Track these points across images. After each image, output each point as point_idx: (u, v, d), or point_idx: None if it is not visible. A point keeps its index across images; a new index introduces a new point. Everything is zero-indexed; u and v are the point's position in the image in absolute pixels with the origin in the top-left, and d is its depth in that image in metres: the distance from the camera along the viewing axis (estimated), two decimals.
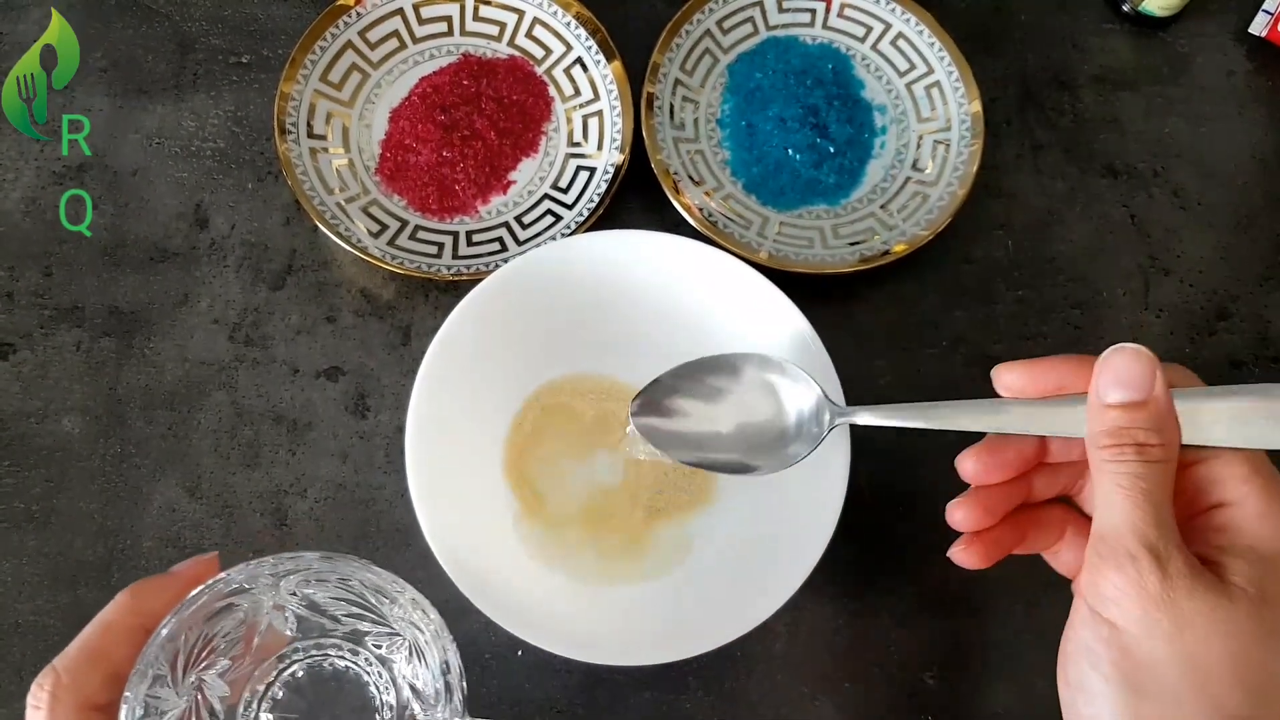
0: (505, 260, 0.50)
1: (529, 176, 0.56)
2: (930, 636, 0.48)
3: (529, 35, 0.58)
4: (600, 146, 0.56)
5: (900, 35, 0.58)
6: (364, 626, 0.34)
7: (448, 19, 0.58)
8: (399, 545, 0.48)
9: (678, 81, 0.57)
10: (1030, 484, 0.37)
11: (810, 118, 0.55)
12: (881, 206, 0.55)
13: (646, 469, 0.48)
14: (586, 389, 0.50)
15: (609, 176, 0.54)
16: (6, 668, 0.46)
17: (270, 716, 0.33)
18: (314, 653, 0.34)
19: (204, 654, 0.31)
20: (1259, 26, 0.61)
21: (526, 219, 0.54)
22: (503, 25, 0.58)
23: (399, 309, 0.53)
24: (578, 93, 0.57)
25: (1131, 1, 0.61)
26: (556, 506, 0.47)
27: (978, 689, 0.47)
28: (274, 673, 0.33)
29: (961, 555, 0.36)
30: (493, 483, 0.47)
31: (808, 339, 0.45)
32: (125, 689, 0.29)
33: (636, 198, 0.55)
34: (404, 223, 0.54)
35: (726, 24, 0.59)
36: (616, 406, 0.49)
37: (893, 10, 0.58)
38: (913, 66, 0.58)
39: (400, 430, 0.43)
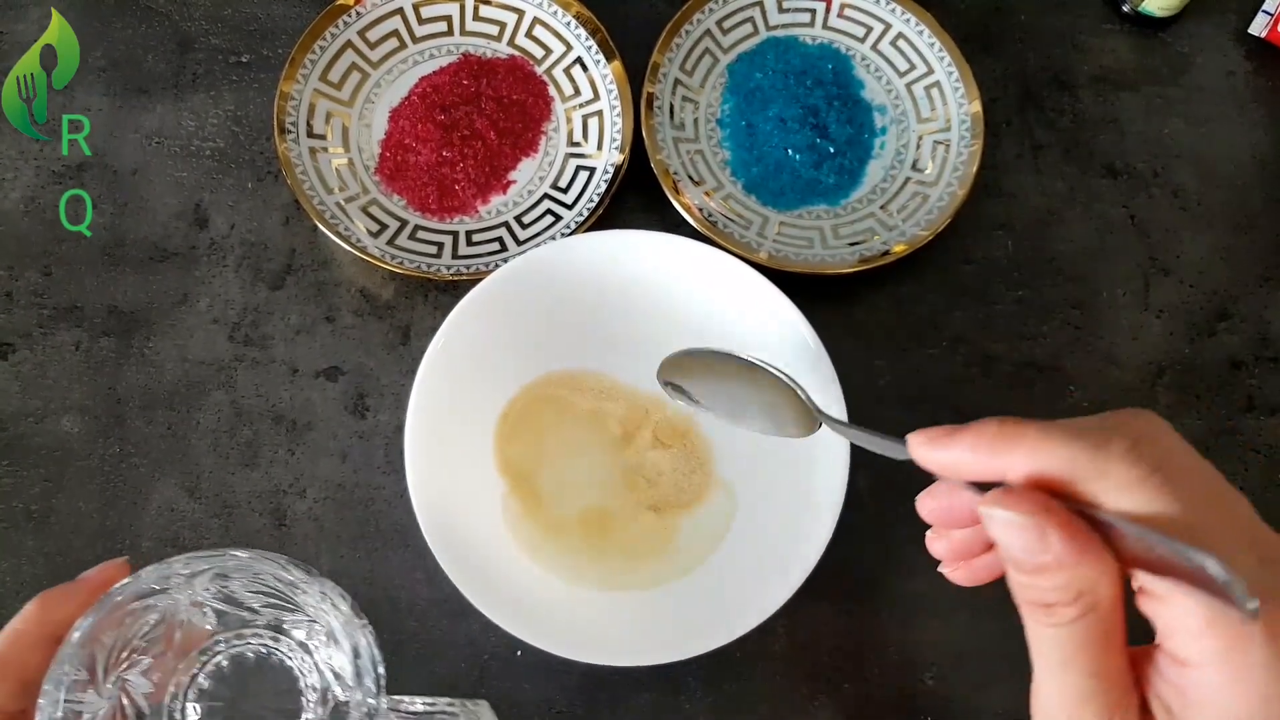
0: (505, 260, 0.50)
1: (529, 176, 0.56)
2: (930, 636, 0.48)
3: (529, 35, 0.58)
4: (600, 146, 0.56)
5: (900, 35, 0.58)
6: (284, 615, 0.35)
7: (448, 19, 0.58)
8: (398, 545, 0.48)
9: (678, 81, 0.57)
10: None
11: (810, 118, 0.55)
12: (881, 207, 0.55)
13: (645, 470, 0.48)
14: (586, 387, 0.49)
15: (609, 176, 0.54)
16: None
17: (197, 707, 0.33)
18: (236, 643, 0.35)
19: (125, 654, 0.32)
20: (1259, 27, 0.61)
21: (526, 219, 0.54)
22: (503, 25, 0.58)
23: (398, 309, 0.53)
24: (577, 92, 0.57)
25: (1131, 2, 0.61)
26: (556, 507, 0.47)
27: (977, 689, 0.47)
28: (198, 665, 0.34)
29: (951, 574, 0.32)
30: (492, 483, 0.47)
31: (808, 339, 0.45)
32: (40, 696, 0.29)
33: (636, 198, 0.55)
34: (404, 222, 0.54)
35: (726, 24, 0.59)
36: (614, 406, 0.49)
37: (893, 10, 0.58)
38: (913, 67, 0.58)
39: (400, 430, 0.43)
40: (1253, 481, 0.52)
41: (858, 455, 0.43)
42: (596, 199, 0.53)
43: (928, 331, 0.54)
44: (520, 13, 0.58)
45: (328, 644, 0.34)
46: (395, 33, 0.57)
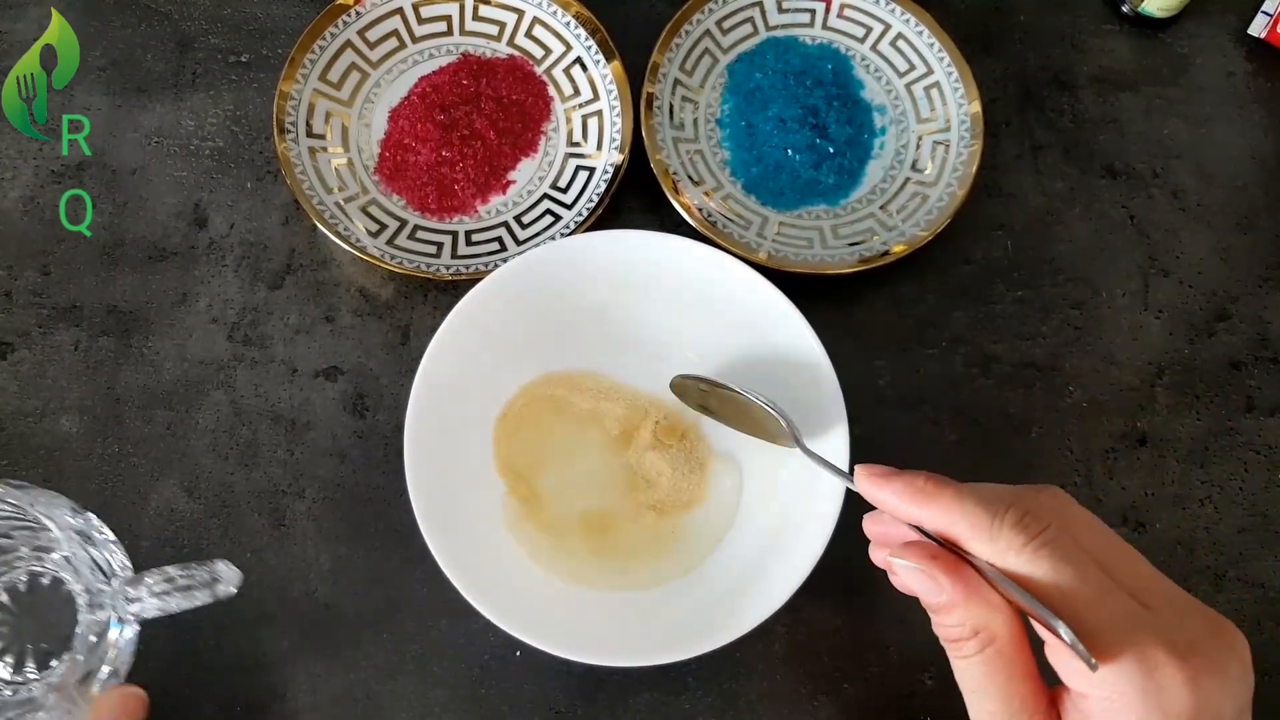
0: (504, 260, 0.50)
1: (528, 176, 0.56)
2: (929, 637, 0.48)
3: (529, 35, 0.58)
4: (600, 146, 0.56)
5: (900, 36, 0.58)
6: (39, 538, 0.37)
7: (447, 18, 0.58)
8: (398, 545, 0.48)
9: (677, 81, 0.57)
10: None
11: (810, 118, 0.55)
12: (881, 207, 0.55)
13: (645, 470, 0.48)
14: (585, 387, 0.49)
15: (608, 176, 0.54)
16: None
17: None
18: (4, 571, 0.38)
19: None
20: (1258, 28, 0.61)
21: (526, 219, 0.54)
22: (502, 25, 0.58)
23: (398, 309, 0.53)
24: (577, 92, 0.57)
25: (1131, 2, 0.61)
26: (555, 507, 0.47)
27: None
28: None
29: (892, 578, 0.36)
30: (492, 483, 0.47)
31: (808, 339, 0.45)
32: None
33: (636, 198, 0.55)
34: (403, 222, 0.54)
35: (726, 24, 0.59)
36: (614, 406, 0.49)
37: (892, 11, 0.58)
38: (912, 67, 0.58)
39: (399, 430, 0.43)
40: (1253, 481, 0.52)
41: (858, 453, 0.43)
42: (596, 199, 0.53)
43: (928, 331, 0.54)
44: (520, 13, 0.58)
45: (72, 544, 0.38)
46: (395, 32, 0.57)
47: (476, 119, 0.55)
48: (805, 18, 0.59)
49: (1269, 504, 0.51)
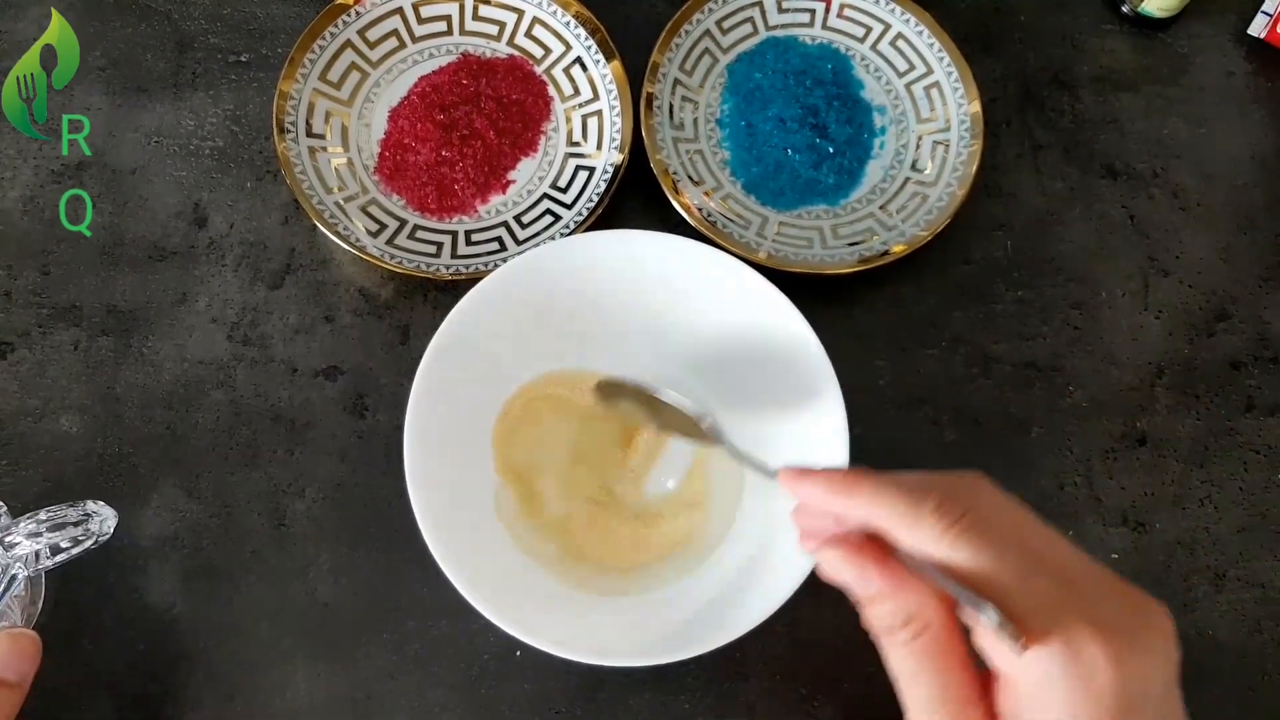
0: (504, 260, 0.50)
1: (528, 176, 0.56)
2: None
3: (528, 35, 0.58)
4: (599, 146, 0.56)
5: (900, 36, 0.58)
6: None
7: (447, 18, 0.58)
8: (398, 545, 0.48)
9: (677, 81, 0.57)
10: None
11: (810, 118, 0.55)
12: (881, 207, 0.55)
13: (644, 471, 0.48)
14: (585, 386, 0.49)
15: (608, 176, 0.54)
16: None
17: None
18: None
19: None
20: (1258, 28, 0.61)
21: (525, 219, 0.54)
22: (502, 25, 0.58)
23: (398, 308, 0.53)
24: (577, 92, 0.57)
25: (1131, 2, 0.61)
26: (555, 507, 0.47)
27: None
28: None
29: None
30: (492, 483, 0.47)
31: (807, 339, 0.45)
32: None
33: (636, 198, 0.55)
34: (403, 222, 0.54)
35: (726, 24, 0.59)
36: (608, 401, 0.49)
37: (892, 10, 0.58)
38: (912, 67, 0.58)
39: (399, 430, 0.43)
40: (1252, 481, 0.52)
41: (857, 454, 0.43)
42: (596, 199, 0.53)
43: (928, 331, 0.54)
44: (520, 12, 0.58)
45: None
46: (395, 32, 0.57)
47: (476, 119, 0.55)
48: (805, 17, 0.59)
49: (1269, 504, 0.51)
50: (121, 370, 0.51)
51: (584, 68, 0.57)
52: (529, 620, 0.41)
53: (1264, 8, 0.61)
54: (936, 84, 0.57)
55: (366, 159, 0.55)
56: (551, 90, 0.58)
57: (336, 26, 0.56)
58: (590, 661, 0.41)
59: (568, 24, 0.58)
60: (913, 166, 0.56)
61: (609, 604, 0.45)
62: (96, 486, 0.49)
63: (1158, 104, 0.60)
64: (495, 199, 0.55)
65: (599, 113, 0.56)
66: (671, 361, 0.49)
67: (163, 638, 0.46)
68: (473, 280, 0.46)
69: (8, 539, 0.40)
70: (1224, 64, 0.61)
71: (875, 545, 0.32)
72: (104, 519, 0.43)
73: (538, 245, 0.49)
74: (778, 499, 0.46)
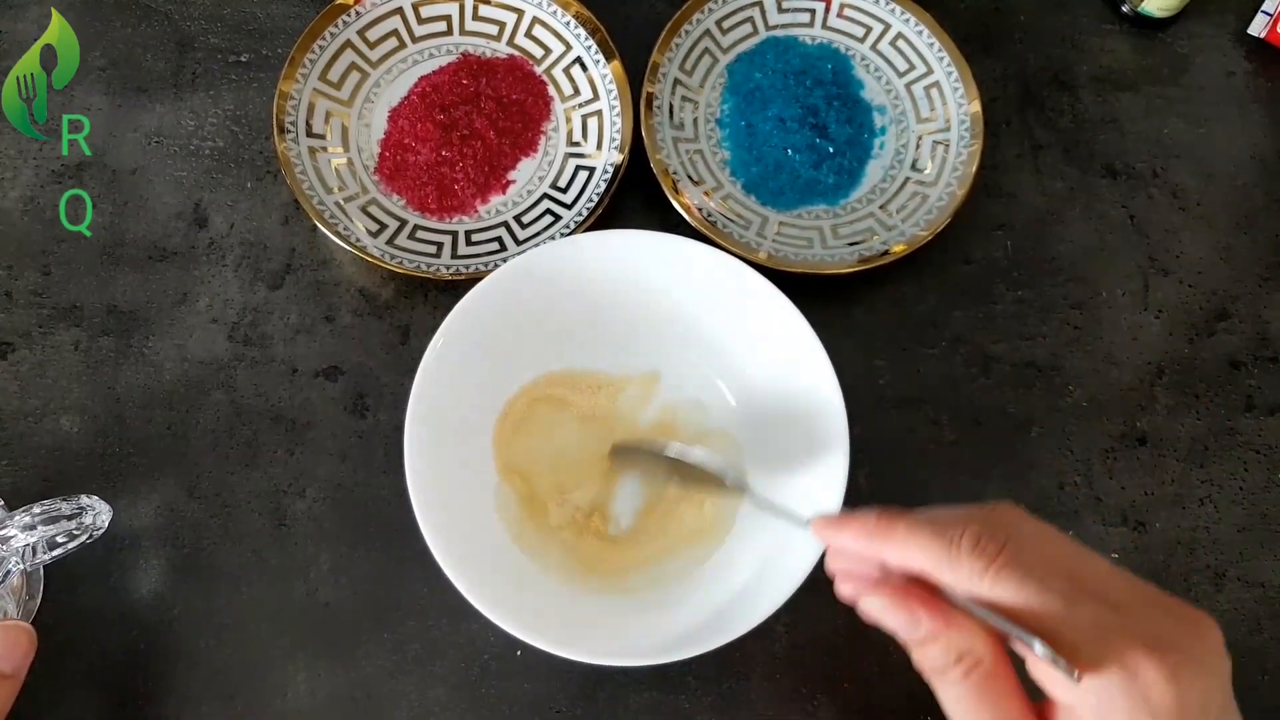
0: (504, 260, 0.50)
1: (528, 176, 0.56)
2: None
3: (528, 35, 0.58)
4: (599, 146, 0.56)
5: (900, 35, 0.58)
6: None
7: (447, 18, 0.58)
8: (398, 545, 0.48)
9: (677, 81, 0.57)
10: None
11: (810, 118, 0.55)
12: (881, 207, 0.55)
13: (645, 472, 0.48)
14: (585, 386, 0.49)
15: (608, 176, 0.54)
16: None
17: None
18: None
19: None
20: (1258, 28, 0.61)
21: (525, 219, 0.54)
22: (502, 25, 0.58)
23: (398, 308, 0.53)
24: (577, 92, 0.57)
25: (1131, 2, 0.61)
26: (556, 507, 0.47)
27: None
28: None
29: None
30: (492, 483, 0.47)
31: (807, 339, 0.45)
32: None
33: (636, 198, 0.55)
34: (403, 222, 0.54)
35: (726, 24, 0.59)
36: (613, 403, 0.49)
37: (892, 10, 0.58)
38: (912, 67, 0.58)
39: (399, 430, 0.43)
40: (1253, 481, 0.52)
41: (857, 454, 0.43)
42: (596, 199, 0.53)
43: (928, 331, 0.54)
44: (520, 12, 0.58)
45: None
46: (395, 32, 0.57)
47: (476, 119, 0.55)
48: (805, 17, 0.59)
49: (1269, 504, 0.51)
50: (122, 370, 0.51)
51: (584, 68, 0.57)
52: (529, 620, 0.41)
53: (1264, 7, 0.61)
54: (936, 84, 0.57)
55: (366, 159, 0.55)
56: (551, 90, 0.58)
57: (336, 26, 0.56)
58: (590, 661, 0.41)
59: (568, 24, 0.58)
60: (913, 166, 0.56)
61: (609, 604, 0.45)
62: (97, 486, 0.49)
63: (1158, 104, 0.60)
64: (495, 199, 0.55)
65: (599, 113, 0.56)
66: (672, 361, 0.49)
67: (163, 638, 0.46)
68: (473, 280, 0.46)
69: (2, 532, 0.41)
70: (1224, 64, 0.61)
71: (919, 586, 0.32)
72: (98, 513, 0.43)
73: (538, 245, 0.49)
74: (777, 498, 0.46)
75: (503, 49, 0.58)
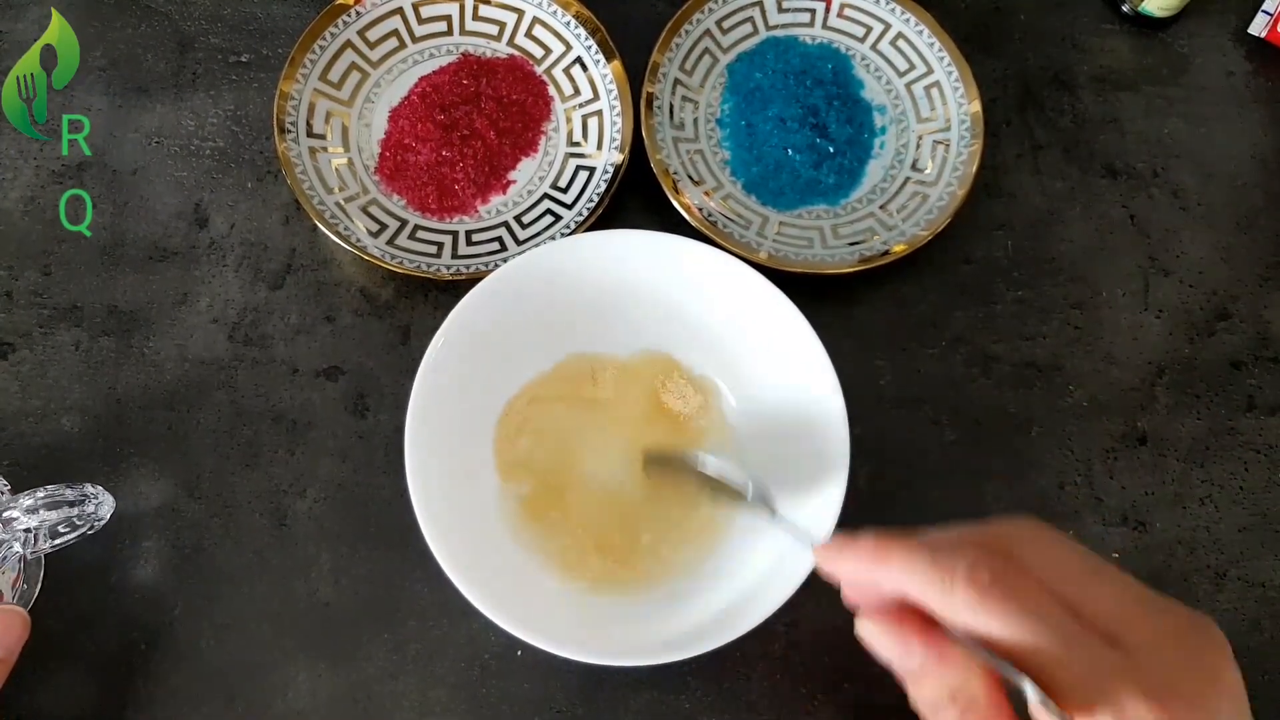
0: (505, 260, 0.50)
1: (528, 176, 0.56)
2: None
3: (529, 35, 0.58)
4: (600, 146, 0.56)
5: (900, 35, 0.58)
6: None
7: (447, 18, 0.58)
8: (399, 545, 0.48)
9: (677, 81, 0.57)
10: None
11: (810, 118, 0.55)
12: (881, 207, 0.55)
13: (644, 471, 0.48)
14: (585, 384, 0.49)
15: (608, 176, 0.54)
16: None
17: None
18: None
19: None
20: (1258, 27, 0.61)
21: (526, 219, 0.54)
22: (502, 25, 0.58)
23: (398, 309, 0.53)
24: (577, 92, 0.57)
25: (1131, 2, 0.61)
26: (556, 507, 0.47)
27: None
28: None
29: None
30: (492, 482, 0.47)
31: (808, 339, 0.45)
32: None
33: (636, 198, 0.55)
34: (403, 222, 0.54)
35: (726, 24, 0.59)
36: (613, 403, 0.49)
37: (892, 10, 0.58)
38: (912, 67, 0.58)
39: (400, 430, 0.43)
40: (1253, 481, 0.52)
41: (858, 453, 0.43)
42: (596, 199, 0.53)
43: (928, 331, 0.54)
44: (520, 12, 0.58)
45: None
46: (395, 32, 0.57)
47: (476, 119, 0.55)
48: (805, 17, 0.59)
49: (1269, 504, 0.51)
50: (123, 370, 0.51)
51: (584, 68, 0.57)
52: (529, 620, 0.41)
53: (1264, 7, 0.61)
54: (936, 84, 0.57)
55: (367, 159, 0.55)
56: (552, 90, 0.58)
57: (337, 27, 0.56)
58: (590, 661, 0.41)
59: (568, 24, 0.58)
60: (913, 166, 0.56)
61: (609, 604, 0.45)
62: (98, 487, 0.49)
63: (1158, 104, 0.60)
64: (495, 199, 0.55)
65: (599, 113, 0.56)
66: (672, 361, 0.49)
67: (163, 638, 0.46)
68: (473, 280, 0.46)
69: (5, 514, 0.41)
70: (1224, 64, 0.61)
71: (918, 615, 0.30)
72: (101, 503, 0.43)
73: (538, 245, 0.49)
74: (778, 497, 0.46)
75: (503, 49, 0.58)
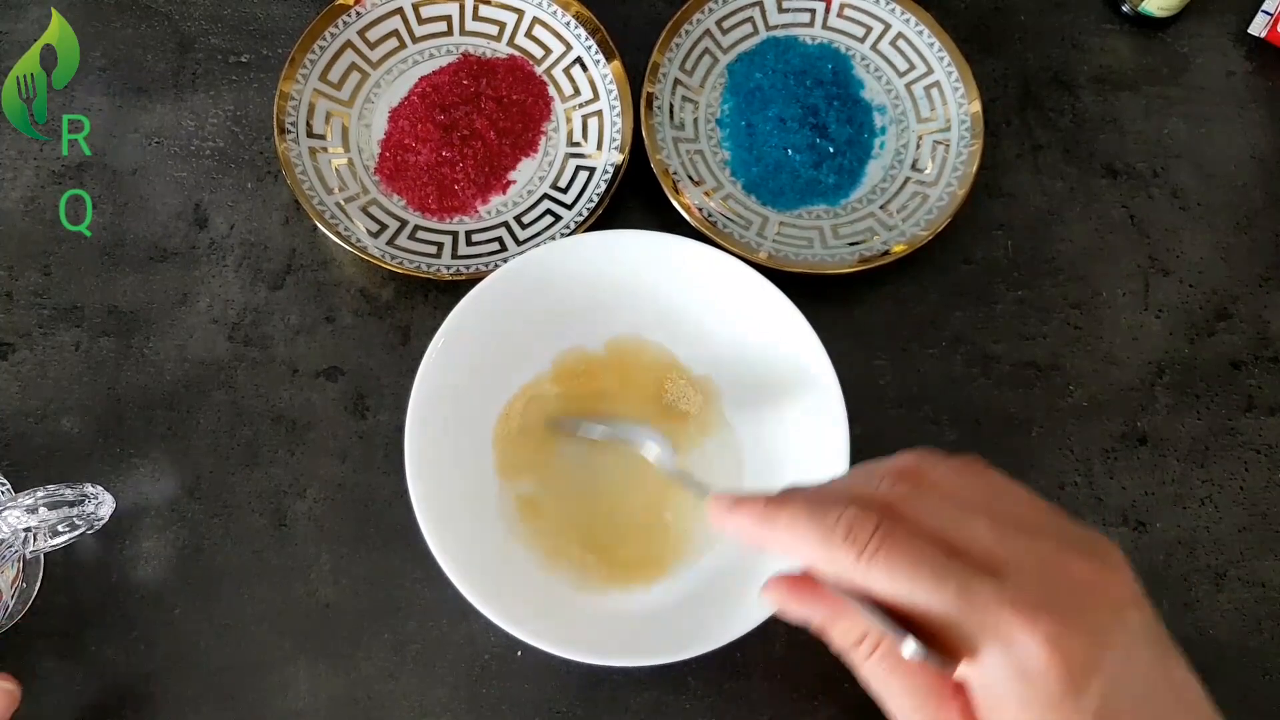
0: (505, 260, 0.50)
1: (528, 176, 0.56)
2: None
3: (529, 35, 0.58)
4: (600, 146, 0.56)
5: (900, 35, 0.58)
6: None
7: (447, 18, 0.58)
8: (398, 545, 0.48)
9: (677, 81, 0.57)
10: None
11: (810, 118, 0.55)
12: (881, 207, 0.55)
13: (644, 470, 0.48)
14: (585, 384, 0.49)
15: (608, 176, 0.54)
16: (4, 669, 0.45)
17: None
18: None
19: None
20: (1258, 27, 0.61)
21: (526, 219, 0.54)
22: (502, 25, 0.58)
23: (398, 309, 0.53)
24: (577, 92, 0.57)
25: (1131, 2, 0.61)
26: (556, 507, 0.47)
27: None
28: None
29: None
30: (492, 483, 0.47)
31: (808, 339, 0.45)
32: None
33: (636, 198, 0.55)
34: (403, 222, 0.54)
35: (726, 24, 0.59)
36: (613, 403, 0.49)
37: (892, 10, 0.58)
38: (912, 67, 0.58)
39: (399, 430, 0.43)
40: (1253, 481, 0.52)
41: (858, 453, 0.43)
42: (596, 199, 0.53)
43: (928, 331, 0.54)
44: (520, 13, 0.58)
45: None
46: (395, 33, 0.57)
47: (476, 119, 0.55)
48: (805, 17, 0.59)
49: (1269, 504, 0.51)
50: (123, 371, 0.51)
51: (584, 68, 0.57)
52: (529, 620, 0.41)
53: (1264, 7, 0.61)
54: (936, 84, 0.57)
55: (367, 159, 0.55)
56: (551, 90, 0.58)
57: (337, 27, 0.56)
58: (590, 661, 0.41)
59: (568, 24, 0.58)
60: (913, 166, 0.56)
61: (610, 604, 0.45)
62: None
63: (1158, 104, 0.60)
64: (495, 199, 0.55)
65: (599, 113, 0.56)
66: (672, 361, 0.49)
67: (163, 638, 0.46)
68: (473, 280, 0.46)
69: (5, 514, 0.41)
70: (1224, 64, 0.61)
71: (805, 579, 0.32)
72: (101, 503, 0.43)
73: (538, 245, 0.49)
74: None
75: (503, 49, 0.58)
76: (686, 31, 0.57)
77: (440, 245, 0.53)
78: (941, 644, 0.28)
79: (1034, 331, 0.54)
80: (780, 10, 0.59)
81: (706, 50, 0.58)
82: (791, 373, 0.46)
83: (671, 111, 0.56)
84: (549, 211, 0.54)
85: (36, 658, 0.45)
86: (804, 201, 0.55)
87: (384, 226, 0.53)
